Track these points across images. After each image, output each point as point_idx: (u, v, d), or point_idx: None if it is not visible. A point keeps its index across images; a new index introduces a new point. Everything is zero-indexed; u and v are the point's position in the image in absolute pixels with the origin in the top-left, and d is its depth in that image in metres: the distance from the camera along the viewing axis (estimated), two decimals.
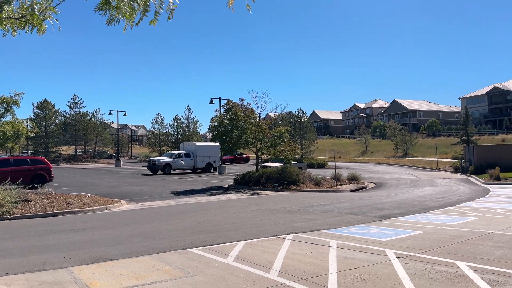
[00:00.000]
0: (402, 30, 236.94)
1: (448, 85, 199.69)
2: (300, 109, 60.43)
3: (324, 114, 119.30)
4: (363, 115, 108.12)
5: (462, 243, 8.01)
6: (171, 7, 3.31)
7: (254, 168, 27.09)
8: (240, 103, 24.93)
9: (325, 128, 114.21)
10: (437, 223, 10.79)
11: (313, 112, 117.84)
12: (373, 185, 27.83)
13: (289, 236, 9.05)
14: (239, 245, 8.18)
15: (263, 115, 26.27)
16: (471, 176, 30.87)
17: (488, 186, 23.93)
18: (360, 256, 7.06)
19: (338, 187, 24.74)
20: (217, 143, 27.60)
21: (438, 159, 44.31)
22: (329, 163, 44.80)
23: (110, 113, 56.00)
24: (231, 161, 53.66)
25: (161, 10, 3.36)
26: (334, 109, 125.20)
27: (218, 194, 20.20)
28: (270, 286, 5.43)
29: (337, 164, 49.13)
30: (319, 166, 47.29)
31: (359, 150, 73.38)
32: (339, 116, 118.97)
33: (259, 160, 26.96)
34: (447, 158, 47.40)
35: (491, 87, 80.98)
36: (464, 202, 16.03)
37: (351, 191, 23.62)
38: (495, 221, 10.86)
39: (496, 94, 79.75)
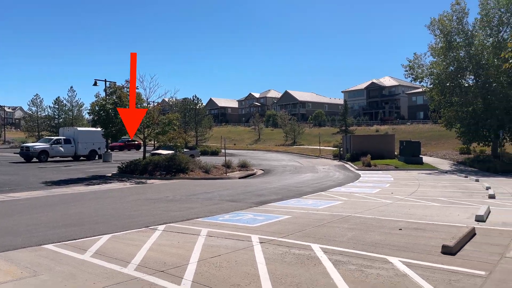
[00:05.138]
0: (293, 26, 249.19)
1: (334, 79, 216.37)
2: (196, 96, 59.91)
3: (221, 102, 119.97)
4: (258, 104, 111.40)
5: (321, 226, 8.65)
6: None
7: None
8: (126, 85, 23.61)
9: (222, 115, 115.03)
10: (306, 207, 11.56)
11: (210, 100, 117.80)
12: (262, 171, 28.86)
13: (162, 227, 8.83)
14: (103, 239, 7.70)
15: (151, 100, 25.26)
16: (347, 163, 33.91)
17: (360, 172, 26.52)
18: (226, 243, 7.17)
19: (227, 174, 25.10)
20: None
21: (321, 147, 47.80)
22: (223, 151, 45.33)
23: None
24: (121, 148, 50.99)
25: None
26: (231, 97, 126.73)
27: (98, 184, 18.95)
28: (122, 281, 5.18)
29: (231, 151, 50.16)
30: (213, 153, 47.53)
31: (253, 138, 75.56)
32: (235, 105, 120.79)
33: (151, 148, 26.04)
34: (329, 146, 51.37)
35: (369, 82, 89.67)
36: (335, 187, 17.48)
37: (240, 178, 24.16)
38: (356, 205, 12.00)
39: (374, 89, 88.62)
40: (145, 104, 23.84)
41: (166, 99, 63.54)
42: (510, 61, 6.45)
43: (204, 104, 73.82)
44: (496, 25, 29.45)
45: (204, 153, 45.94)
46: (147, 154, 26.80)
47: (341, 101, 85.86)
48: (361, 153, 33.23)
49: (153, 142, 31.36)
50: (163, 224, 9.17)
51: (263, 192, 15.65)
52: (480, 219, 9.05)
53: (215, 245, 7.06)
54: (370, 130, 61.82)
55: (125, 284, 5.07)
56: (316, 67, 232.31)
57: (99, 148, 35.47)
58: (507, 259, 6.04)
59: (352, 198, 13.77)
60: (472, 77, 31.54)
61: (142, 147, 27.62)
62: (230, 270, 5.58)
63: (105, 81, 34.40)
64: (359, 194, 14.94)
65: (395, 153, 36.43)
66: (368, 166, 29.70)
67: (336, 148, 44.14)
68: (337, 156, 40.10)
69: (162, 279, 5.22)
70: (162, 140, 25.13)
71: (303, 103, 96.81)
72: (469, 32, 30.40)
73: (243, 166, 28.87)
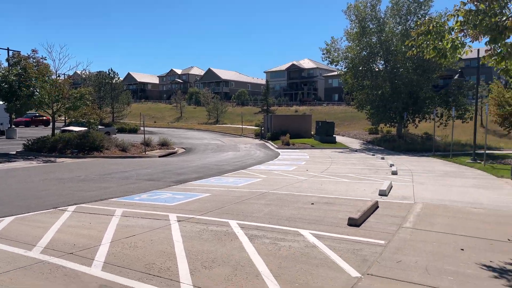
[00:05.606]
0: (217, 2, 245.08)
1: (257, 59, 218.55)
2: (112, 69, 56.43)
3: (140, 77, 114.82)
4: (180, 81, 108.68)
5: (240, 203, 8.84)
6: None
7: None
8: (32, 55, 21.44)
9: (142, 91, 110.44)
10: (226, 185, 11.70)
11: (129, 74, 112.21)
12: (183, 150, 28.50)
13: (72, 207, 8.35)
14: (6, 221, 7.09)
15: (61, 72, 23.32)
16: (268, 142, 34.80)
17: (279, 151, 27.40)
18: (142, 223, 7.02)
19: (147, 153, 24.38)
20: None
21: (243, 126, 48.38)
22: (142, 128, 43.79)
23: None
24: (27, 124, 46.73)
25: None
26: (151, 73, 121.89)
27: (1, 162, 17.24)
28: (26, 265, 4.83)
29: (151, 129, 48.60)
30: (131, 131, 45.74)
31: (174, 116, 73.85)
32: (156, 80, 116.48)
33: (61, 124, 24.15)
34: (251, 125, 52.17)
35: (290, 64, 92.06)
36: (256, 165, 17.90)
37: (160, 156, 23.60)
38: (273, 182, 12.43)
39: (294, 71, 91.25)
40: (54, 77, 21.94)
41: (79, 72, 59.21)
42: (413, 49, 7.00)
43: (121, 78, 70.16)
44: (405, 14, 31.79)
45: (122, 130, 44.02)
46: (57, 131, 24.90)
47: (264, 81, 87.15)
48: (281, 132, 34.26)
49: (63, 118, 29.11)
50: (73, 204, 8.67)
51: (184, 170, 15.49)
52: (383, 193, 9.92)
53: (130, 225, 6.87)
54: (290, 111, 63.82)
55: (29, 268, 4.74)
56: (240, 46, 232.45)
57: (1, 124, 32.13)
58: (404, 229, 6.73)
59: (271, 175, 14.22)
60: (382, 62, 33.88)
61: (50, 123, 25.52)
62: (145, 249, 5.49)
63: (8, 49, 30.93)
64: (277, 171, 15.47)
65: (312, 132, 38.18)
66: (287, 145, 30.80)
67: (257, 127, 44.98)
68: (259, 135, 40.90)
69: (71, 261, 4.97)
70: (74, 116, 23.49)
71: (227, 82, 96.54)
72: (381, 19, 32.45)
73: (164, 144, 28.25)
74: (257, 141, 37.60)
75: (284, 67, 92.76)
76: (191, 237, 6.09)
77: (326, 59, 33.92)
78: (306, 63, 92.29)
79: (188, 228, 6.60)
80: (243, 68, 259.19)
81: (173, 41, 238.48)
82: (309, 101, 76.70)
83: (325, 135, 33.51)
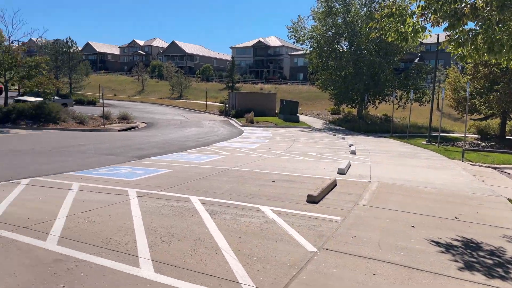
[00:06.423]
0: None
1: (223, 34, 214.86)
2: (70, 38, 53.62)
3: (100, 47, 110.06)
4: (143, 53, 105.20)
5: (202, 179, 8.83)
6: None
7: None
8: None
9: (101, 62, 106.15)
10: (188, 161, 11.62)
11: (88, 44, 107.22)
12: (145, 125, 27.93)
13: (26, 181, 8.02)
14: None
15: (14, 38, 21.95)
16: (232, 119, 34.70)
17: (243, 128, 27.43)
18: (100, 197, 6.87)
19: (106, 126, 23.73)
20: None
21: (207, 103, 47.85)
22: (102, 101, 42.30)
23: None
24: None
25: None
26: (112, 43, 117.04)
27: None
28: None
29: (111, 102, 47.14)
30: (89, 103, 44.15)
31: (136, 89, 71.79)
32: (117, 51, 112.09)
33: (15, 93, 22.84)
34: (216, 102, 51.68)
35: (256, 40, 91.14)
36: (219, 142, 17.85)
37: (119, 130, 23.03)
38: (236, 159, 12.46)
39: (260, 48, 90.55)
40: (6, 43, 20.64)
41: (34, 39, 56.13)
42: (376, 31, 7.09)
43: (80, 48, 67.05)
44: None
45: (80, 102, 42.42)
46: (10, 101, 23.60)
47: (229, 57, 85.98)
48: (246, 110, 34.21)
49: (17, 88, 27.59)
50: (27, 178, 8.34)
51: (145, 146, 15.21)
52: (341, 172, 10.22)
53: (88, 199, 6.71)
54: (255, 88, 63.64)
55: None
56: (206, 20, 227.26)
57: None
58: (359, 206, 6.99)
59: (234, 152, 14.25)
60: (347, 43, 34.24)
61: (3, 93, 24.13)
62: (103, 224, 5.40)
63: None
64: (241, 149, 15.52)
65: (276, 111, 38.36)
66: (251, 123, 30.85)
67: (222, 104, 44.61)
68: (223, 112, 40.65)
69: (24, 235, 4.81)
70: (28, 86, 22.30)
71: (191, 56, 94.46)
72: (347, 0, 32.62)
73: (124, 118, 27.55)
74: (221, 118, 37.39)
75: (250, 43, 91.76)
76: (151, 212, 6.04)
77: (292, 38, 33.90)
78: (273, 41, 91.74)
79: (148, 204, 6.54)
80: (209, 43, 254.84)
81: (135, 11, 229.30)
82: (275, 79, 76.69)
83: (289, 114, 33.78)
